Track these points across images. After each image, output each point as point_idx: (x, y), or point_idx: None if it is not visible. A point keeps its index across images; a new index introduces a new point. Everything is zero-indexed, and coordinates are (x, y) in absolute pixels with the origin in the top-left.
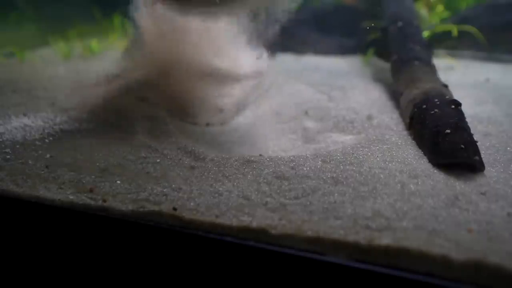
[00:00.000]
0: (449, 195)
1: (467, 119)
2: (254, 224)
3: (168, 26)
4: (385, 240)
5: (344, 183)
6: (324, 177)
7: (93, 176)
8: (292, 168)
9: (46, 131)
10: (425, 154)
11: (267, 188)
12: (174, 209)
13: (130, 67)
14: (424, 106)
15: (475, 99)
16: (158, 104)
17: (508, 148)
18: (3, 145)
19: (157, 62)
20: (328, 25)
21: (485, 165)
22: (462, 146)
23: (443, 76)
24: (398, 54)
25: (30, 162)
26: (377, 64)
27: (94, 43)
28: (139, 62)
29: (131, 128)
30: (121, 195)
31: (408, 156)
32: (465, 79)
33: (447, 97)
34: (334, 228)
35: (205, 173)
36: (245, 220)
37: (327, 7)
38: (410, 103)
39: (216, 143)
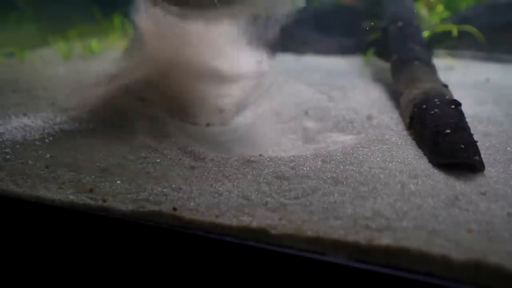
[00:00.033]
0: (449, 195)
1: (467, 119)
2: (254, 224)
3: (168, 28)
4: (385, 240)
5: (344, 183)
6: (324, 177)
7: (93, 176)
8: (292, 168)
9: (46, 131)
10: (425, 154)
11: (267, 188)
12: (174, 209)
13: (130, 67)
14: (424, 106)
15: (475, 99)
16: (158, 104)
17: (508, 148)
18: (3, 145)
19: (157, 63)
20: (328, 25)
21: (485, 165)
22: (462, 146)
23: (443, 76)
24: (398, 54)
25: (30, 162)
26: (377, 64)
27: (94, 43)
28: (139, 62)
29: (131, 128)
30: (121, 195)
31: (408, 156)
32: (465, 79)
33: (447, 97)
34: (334, 228)
35: (205, 173)
36: (245, 220)
37: (327, 7)
38: (410, 103)
39: (216, 143)
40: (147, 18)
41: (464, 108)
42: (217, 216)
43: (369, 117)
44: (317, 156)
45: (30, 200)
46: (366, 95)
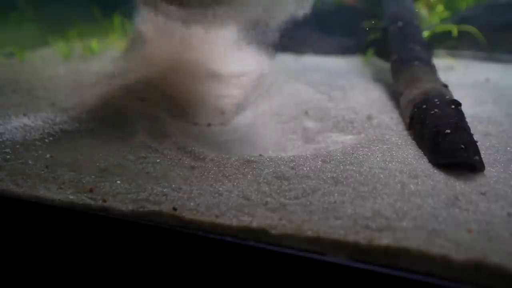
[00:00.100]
0: (449, 195)
1: (467, 119)
2: (254, 224)
3: (168, 28)
4: (385, 240)
5: (344, 183)
6: (324, 177)
7: (93, 176)
8: (292, 168)
9: (46, 131)
10: (425, 154)
11: (267, 188)
12: (174, 209)
13: (130, 67)
14: (424, 106)
15: (475, 99)
16: (158, 104)
17: (508, 148)
18: (3, 145)
19: (157, 63)
20: (328, 25)
21: (485, 165)
22: (462, 146)
23: (443, 76)
24: (398, 54)
25: (30, 162)
26: (377, 64)
27: (94, 43)
28: (139, 63)
29: (131, 128)
30: (121, 195)
31: (408, 156)
32: (465, 79)
33: (447, 97)
34: (334, 228)
35: (205, 173)
36: (245, 220)
37: (327, 7)
38: (410, 103)
39: (216, 143)
40: (147, 18)
41: (464, 108)
42: (217, 216)
43: (369, 117)
44: (317, 156)
45: (30, 200)
46: (366, 95)
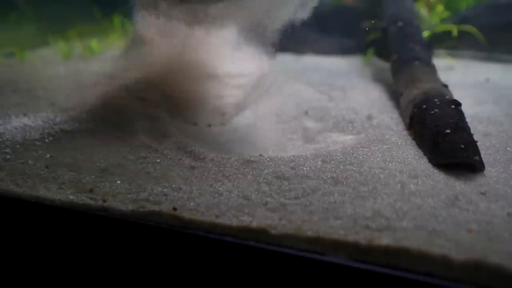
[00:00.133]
0: (449, 195)
1: (467, 119)
2: (254, 224)
3: (168, 29)
4: (385, 240)
5: (344, 183)
6: (324, 177)
7: (93, 176)
8: (292, 168)
9: (46, 131)
10: (425, 154)
11: (267, 188)
12: (174, 209)
13: (130, 67)
14: (424, 106)
15: (475, 99)
16: (158, 104)
17: (508, 148)
18: (3, 145)
19: (157, 63)
20: (328, 25)
21: (485, 165)
22: (462, 146)
23: (443, 76)
24: (398, 54)
25: (30, 162)
26: (377, 64)
27: (94, 43)
28: (139, 63)
29: (131, 128)
30: (121, 195)
31: (408, 156)
32: (465, 79)
33: (447, 97)
34: (334, 228)
35: (205, 173)
36: (245, 220)
37: (327, 7)
38: (410, 103)
39: (216, 143)
40: (147, 19)
41: (464, 108)
42: (217, 216)
43: (369, 117)
44: (317, 156)
45: (30, 200)
46: (366, 95)
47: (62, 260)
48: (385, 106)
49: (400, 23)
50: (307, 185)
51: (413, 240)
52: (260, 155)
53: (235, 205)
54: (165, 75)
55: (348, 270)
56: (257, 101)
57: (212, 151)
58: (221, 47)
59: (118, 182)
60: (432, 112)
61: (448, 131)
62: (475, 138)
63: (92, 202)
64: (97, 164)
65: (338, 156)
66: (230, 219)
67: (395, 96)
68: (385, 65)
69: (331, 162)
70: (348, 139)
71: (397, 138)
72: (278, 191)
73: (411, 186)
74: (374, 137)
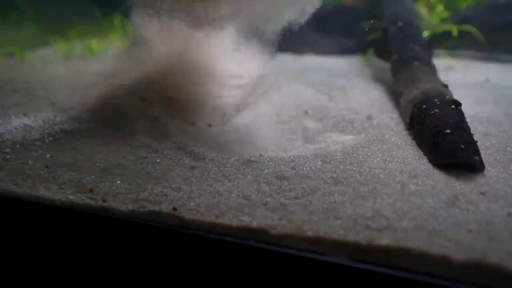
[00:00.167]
0: (449, 195)
1: (467, 119)
2: (254, 224)
3: (168, 29)
4: (385, 240)
5: (344, 183)
6: (324, 177)
7: (93, 176)
8: (292, 168)
9: (46, 131)
10: (425, 154)
11: (267, 188)
12: (174, 209)
13: (130, 67)
14: (424, 106)
15: (475, 99)
16: (158, 104)
17: (508, 148)
18: (3, 145)
19: (157, 63)
20: (328, 25)
21: (485, 165)
22: (462, 146)
23: (443, 76)
24: (398, 54)
25: (30, 162)
26: (377, 64)
27: (94, 43)
28: (139, 63)
29: (131, 128)
30: (121, 195)
31: (408, 156)
32: (465, 79)
33: (447, 97)
34: (334, 228)
35: (205, 173)
36: (245, 220)
37: (327, 7)
38: (410, 103)
39: (216, 143)
40: (148, 19)
41: (464, 108)
42: (217, 216)
43: (369, 117)
44: (317, 156)
45: (30, 200)
46: (366, 95)
47: (62, 260)
48: (385, 106)
49: (400, 23)
50: (307, 185)
51: (413, 240)
52: (260, 155)
53: (235, 205)
54: (165, 75)
55: (348, 270)
56: (257, 101)
57: (212, 151)
58: (221, 47)
59: (118, 182)
60: (432, 112)
61: (448, 131)
62: (475, 138)
63: (92, 202)
64: (97, 164)
65: (338, 156)
66: (230, 219)
67: (395, 96)
68: (385, 65)
69: (331, 162)
70: (348, 139)
71: (397, 138)
72: (278, 191)
73: (411, 186)
74: (374, 137)
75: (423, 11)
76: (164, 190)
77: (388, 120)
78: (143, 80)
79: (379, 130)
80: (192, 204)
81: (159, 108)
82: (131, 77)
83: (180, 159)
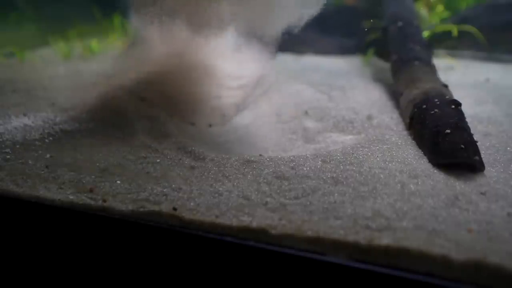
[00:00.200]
0: (449, 195)
1: (467, 119)
2: (254, 224)
3: (168, 29)
4: (385, 240)
5: (344, 183)
6: (324, 177)
7: (93, 176)
8: (292, 168)
9: (46, 131)
10: (425, 154)
11: (267, 188)
12: (174, 209)
13: (130, 67)
14: (424, 106)
15: (475, 99)
16: (158, 104)
17: (508, 148)
18: (3, 145)
19: (157, 63)
20: (328, 25)
21: (485, 165)
22: (462, 146)
23: (443, 76)
24: (398, 54)
25: (30, 162)
26: (377, 64)
27: (94, 43)
28: (139, 63)
29: (131, 128)
30: (121, 195)
31: (408, 156)
32: (465, 79)
33: (447, 97)
34: (334, 228)
35: (205, 173)
36: (245, 220)
37: (327, 7)
38: (410, 103)
39: (216, 143)
40: (147, 20)
41: (464, 108)
42: (217, 216)
43: (369, 117)
44: (317, 156)
45: (30, 200)
46: (366, 95)
47: (62, 260)
48: (385, 106)
49: (400, 23)
50: (307, 185)
51: (413, 240)
52: (260, 155)
53: (235, 205)
54: (165, 75)
55: (348, 270)
56: (257, 101)
57: (212, 151)
58: (221, 47)
59: (118, 182)
60: (432, 112)
61: (448, 131)
62: (475, 138)
63: (92, 202)
64: (97, 164)
65: (338, 156)
66: (230, 219)
67: (395, 96)
68: (385, 65)
69: (331, 162)
70: (348, 139)
71: (397, 138)
72: (278, 191)
73: (411, 186)
74: (374, 137)
75: (423, 11)
76: (164, 190)
77: (388, 120)
78: (143, 80)
79: (379, 130)
80: (192, 204)
81: (159, 108)
82: (131, 77)
83: (180, 159)
